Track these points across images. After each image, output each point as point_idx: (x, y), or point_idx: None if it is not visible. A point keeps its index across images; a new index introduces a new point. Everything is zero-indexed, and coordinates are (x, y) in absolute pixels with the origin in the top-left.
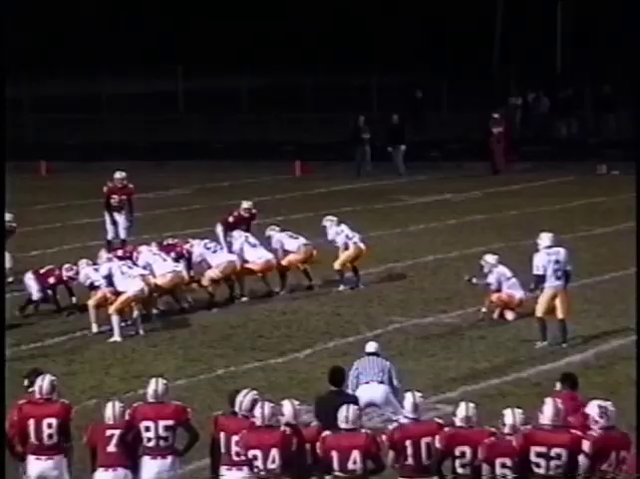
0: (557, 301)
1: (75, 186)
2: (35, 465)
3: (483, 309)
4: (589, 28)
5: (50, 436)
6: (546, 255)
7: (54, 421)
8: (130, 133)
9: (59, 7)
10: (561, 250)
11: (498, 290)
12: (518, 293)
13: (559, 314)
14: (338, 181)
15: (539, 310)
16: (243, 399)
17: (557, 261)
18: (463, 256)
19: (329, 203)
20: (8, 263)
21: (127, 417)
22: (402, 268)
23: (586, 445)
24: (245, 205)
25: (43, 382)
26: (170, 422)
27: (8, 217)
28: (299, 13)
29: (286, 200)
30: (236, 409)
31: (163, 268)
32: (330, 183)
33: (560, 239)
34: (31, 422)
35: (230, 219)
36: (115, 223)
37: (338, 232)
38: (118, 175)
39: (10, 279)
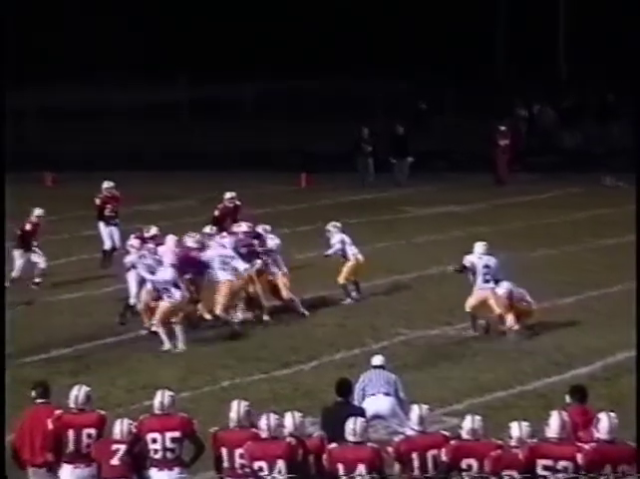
0: (491, 302)
1: (80, 196)
2: (72, 473)
3: (497, 312)
4: (593, 32)
5: (88, 446)
6: (478, 259)
7: (93, 431)
8: (135, 142)
9: (73, 13)
10: (492, 259)
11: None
12: (530, 305)
13: (497, 311)
14: (343, 192)
15: (468, 306)
16: (237, 411)
17: (487, 266)
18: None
19: (334, 214)
20: (42, 264)
21: (133, 430)
22: (407, 280)
23: (579, 457)
24: (228, 195)
25: (79, 393)
26: (177, 434)
27: (39, 212)
28: (302, 18)
29: (292, 211)
30: (232, 422)
31: None
32: (335, 194)
33: (563, 250)
34: (70, 432)
35: (216, 212)
36: (110, 232)
37: (342, 239)
38: (107, 184)
39: (37, 280)
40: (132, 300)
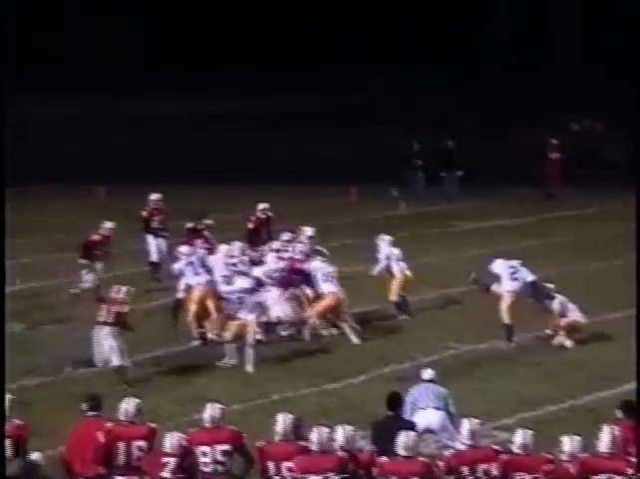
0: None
1: (130, 209)
2: None
3: (548, 331)
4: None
5: (139, 458)
6: (503, 263)
7: (143, 444)
8: (182, 154)
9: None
10: (523, 268)
11: (562, 316)
12: (581, 319)
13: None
14: (392, 205)
15: (504, 316)
16: (283, 424)
17: (513, 266)
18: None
19: (383, 227)
20: (90, 282)
21: (183, 443)
22: (456, 294)
23: (630, 472)
24: (261, 206)
25: (129, 405)
26: (227, 447)
27: (109, 224)
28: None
29: (340, 225)
30: (278, 436)
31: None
32: (384, 207)
33: (613, 264)
34: (121, 445)
35: (250, 225)
36: (158, 245)
37: (389, 254)
38: (154, 196)
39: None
40: (179, 294)
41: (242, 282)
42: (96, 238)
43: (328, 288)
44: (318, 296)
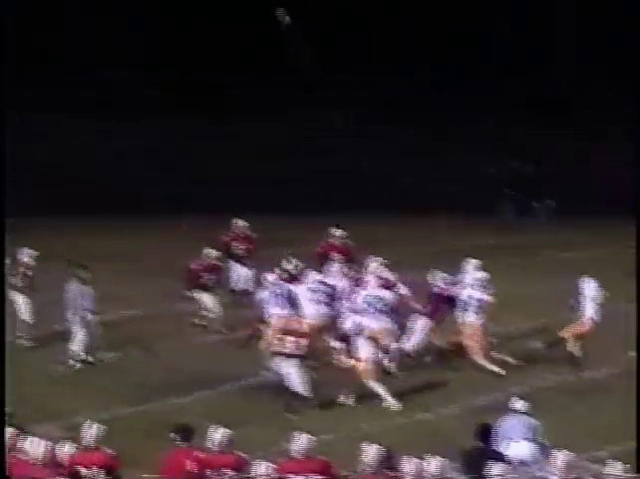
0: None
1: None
2: None
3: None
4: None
5: None
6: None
7: (233, 473)
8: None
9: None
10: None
11: None
12: None
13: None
14: (483, 234)
15: (568, 335)
16: (371, 455)
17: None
18: (611, 314)
19: (474, 257)
20: (213, 307)
21: (272, 473)
22: (549, 324)
23: None
24: (336, 232)
25: (219, 434)
26: (316, 477)
27: (213, 254)
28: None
29: (429, 254)
30: (365, 467)
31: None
32: (474, 236)
33: None
34: (210, 473)
35: (319, 250)
36: (243, 273)
37: (471, 280)
38: (239, 223)
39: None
40: (260, 324)
41: (349, 323)
42: (197, 266)
43: (469, 318)
44: (459, 325)
